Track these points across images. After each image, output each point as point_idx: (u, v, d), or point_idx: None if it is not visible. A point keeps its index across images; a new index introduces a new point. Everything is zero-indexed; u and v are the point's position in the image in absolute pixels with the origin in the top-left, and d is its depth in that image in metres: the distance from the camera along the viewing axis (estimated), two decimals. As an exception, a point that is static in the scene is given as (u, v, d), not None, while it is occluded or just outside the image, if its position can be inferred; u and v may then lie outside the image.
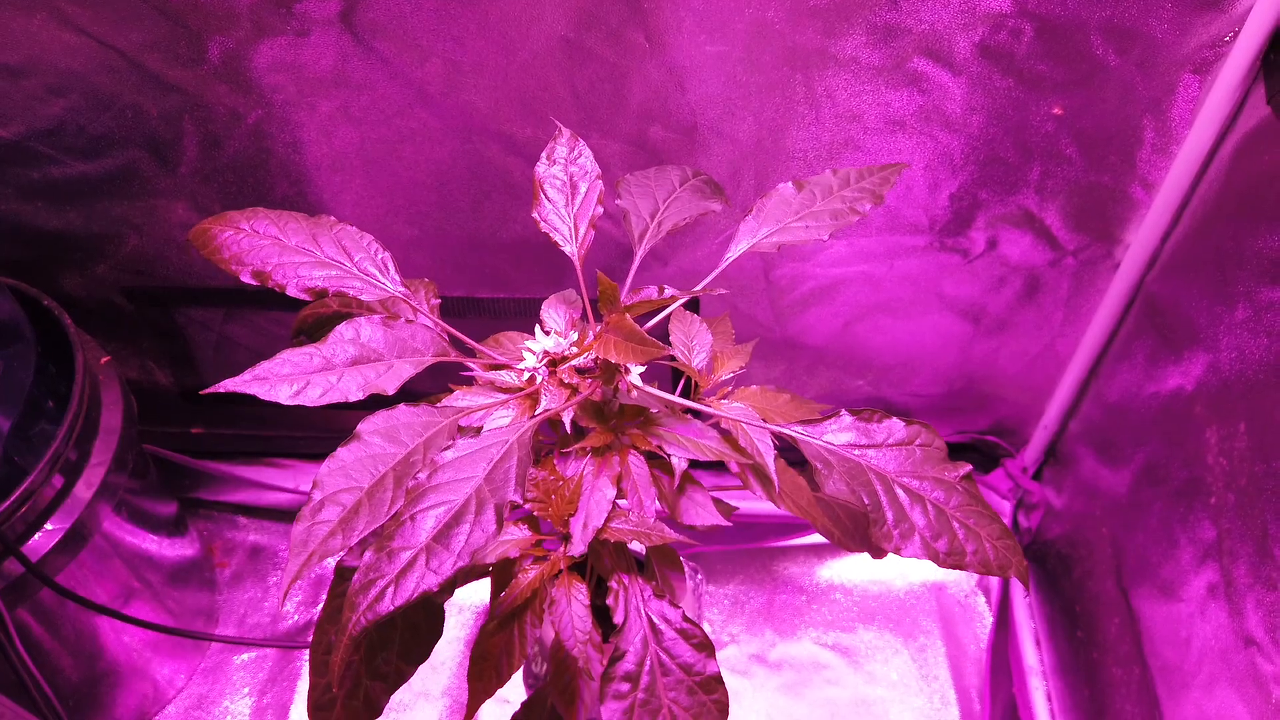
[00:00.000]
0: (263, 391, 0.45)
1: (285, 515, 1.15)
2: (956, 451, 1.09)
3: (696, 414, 0.57)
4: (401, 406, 0.46)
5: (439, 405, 0.47)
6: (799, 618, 1.09)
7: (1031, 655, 1.00)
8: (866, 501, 0.47)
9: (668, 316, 0.62)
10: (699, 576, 0.77)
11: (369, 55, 0.73)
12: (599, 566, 0.56)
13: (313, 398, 0.46)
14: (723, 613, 1.10)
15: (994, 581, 1.07)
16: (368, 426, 0.45)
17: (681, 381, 0.62)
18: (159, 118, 0.77)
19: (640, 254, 0.60)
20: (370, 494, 0.42)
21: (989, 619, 1.06)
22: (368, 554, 0.40)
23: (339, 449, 0.44)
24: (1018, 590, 1.04)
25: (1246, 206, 0.68)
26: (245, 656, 1.09)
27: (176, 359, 1.02)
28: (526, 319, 0.77)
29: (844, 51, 0.70)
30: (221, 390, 0.45)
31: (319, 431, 1.09)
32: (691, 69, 0.72)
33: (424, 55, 0.73)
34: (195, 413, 1.09)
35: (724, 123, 0.76)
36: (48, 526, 0.83)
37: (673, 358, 0.56)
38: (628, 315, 0.47)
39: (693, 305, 0.91)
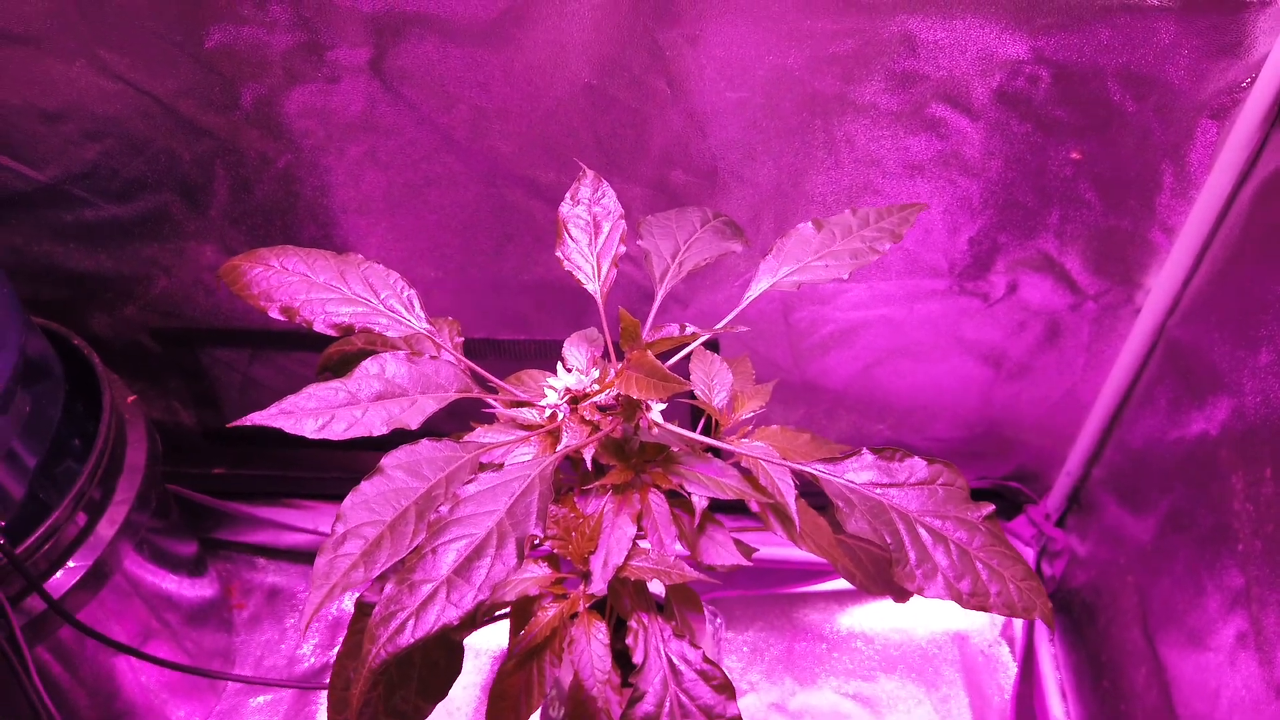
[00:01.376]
0: (289, 425, 0.46)
1: (304, 557, 1.15)
2: (978, 497, 1.08)
3: (716, 452, 0.58)
4: (425, 441, 0.46)
5: (462, 441, 0.47)
6: (819, 666, 1.08)
7: (1057, 706, 0.98)
8: (889, 541, 0.46)
9: (688, 356, 0.62)
10: (718, 620, 0.77)
11: (397, 101, 0.74)
12: (618, 606, 0.56)
13: (337, 432, 0.47)
14: (741, 660, 1.08)
15: (1018, 631, 1.05)
16: (391, 461, 0.45)
17: (702, 420, 0.62)
18: (191, 162, 0.79)
19: (661, 294, 0.61)
20: (392, 527, 0.42)
21: (1013, 669, 1.05)
22: (389, 586, 0.41)
23: (363, 483, 0.44)
24: (1042, 640, 1.03)
25: (1268, 250, 0.68)
26: (261, 699, 1.08)
27: (201, 399, 1.03)
28: (547, 360, 0.77)
29: (863, 97, 0.71)
30: (249, 424, 0.45)
31: (339, 472, 1.09)
32: (712, 115, 0.74)
33: (451, 102, 0.74)
34: (218, 453, 1.10)
35: (744, 167, 0.77)
36: (70, 564, 0.83)
37: (693, 395, 0.56)
38: (649, 352, 0.47)
39: (712, 347, 0.92)
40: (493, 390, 0.57)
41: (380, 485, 0.44)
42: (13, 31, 0.72)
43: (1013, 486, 1.04)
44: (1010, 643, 1.07)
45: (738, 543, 0.65)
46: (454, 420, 0.58)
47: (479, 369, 0.55)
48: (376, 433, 0.48)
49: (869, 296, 0.86)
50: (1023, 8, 0.65)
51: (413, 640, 0.39)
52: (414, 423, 0.48)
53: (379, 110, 0.75)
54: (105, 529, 0.84)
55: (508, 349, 0.93)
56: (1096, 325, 0.86)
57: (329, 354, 0.62)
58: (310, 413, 0.47)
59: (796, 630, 1.10)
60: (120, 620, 0.95)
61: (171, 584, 1.01)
